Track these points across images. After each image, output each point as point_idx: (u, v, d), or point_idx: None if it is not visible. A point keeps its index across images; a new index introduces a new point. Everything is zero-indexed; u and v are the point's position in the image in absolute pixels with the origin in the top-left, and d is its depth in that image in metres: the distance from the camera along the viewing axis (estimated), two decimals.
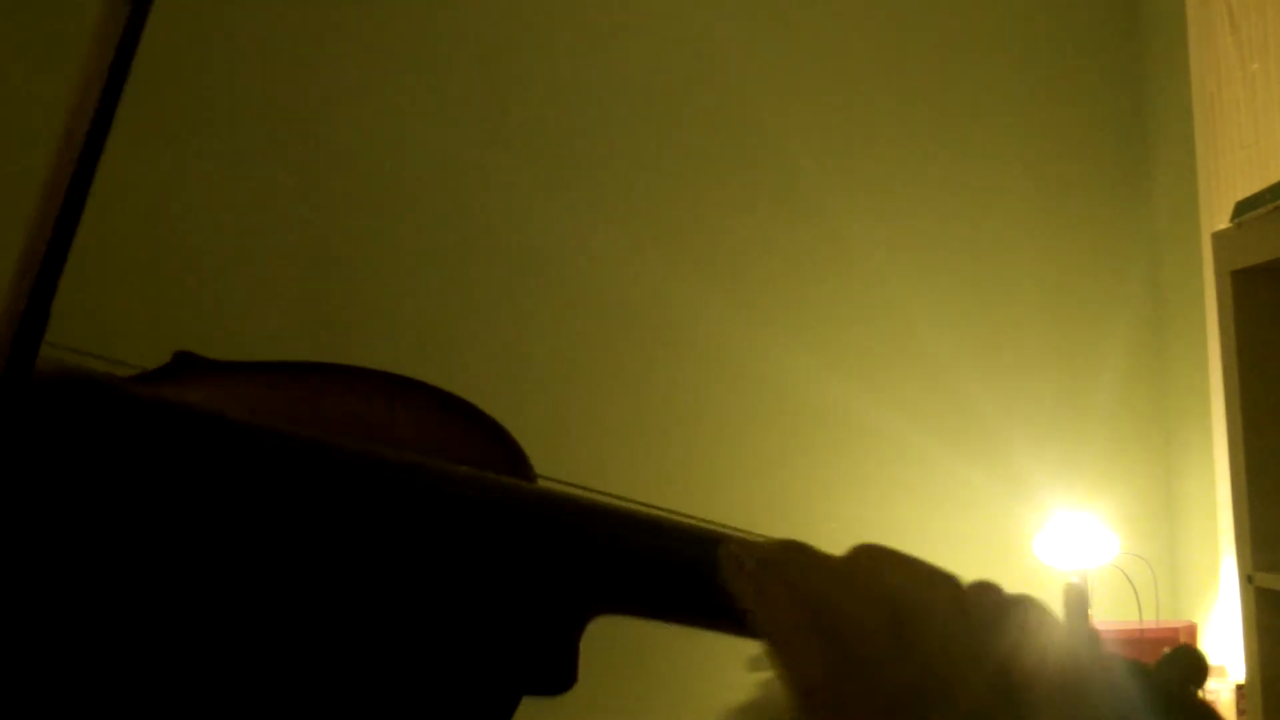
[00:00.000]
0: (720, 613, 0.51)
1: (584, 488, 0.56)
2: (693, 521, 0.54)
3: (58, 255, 0.58)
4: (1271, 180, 1.88)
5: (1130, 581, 2.67)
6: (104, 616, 0.52)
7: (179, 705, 0.51)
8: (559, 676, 0.54)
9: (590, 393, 2.82)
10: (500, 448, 0.61)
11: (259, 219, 2.80)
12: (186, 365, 0.65)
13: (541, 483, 0.58)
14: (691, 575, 0.52)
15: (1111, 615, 2.67)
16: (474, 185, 2.84)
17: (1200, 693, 0.53)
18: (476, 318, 2.82)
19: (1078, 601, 0.50)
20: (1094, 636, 0.50)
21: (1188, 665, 0.52)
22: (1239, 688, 1.90)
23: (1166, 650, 0.53)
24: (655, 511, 0.55)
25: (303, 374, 0.66)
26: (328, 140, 2.82)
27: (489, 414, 0.63)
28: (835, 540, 0.53)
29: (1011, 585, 0.51)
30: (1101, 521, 2.70)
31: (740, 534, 0.53)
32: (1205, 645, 2.59)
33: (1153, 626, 2.53)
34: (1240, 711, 2.03)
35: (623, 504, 0.55)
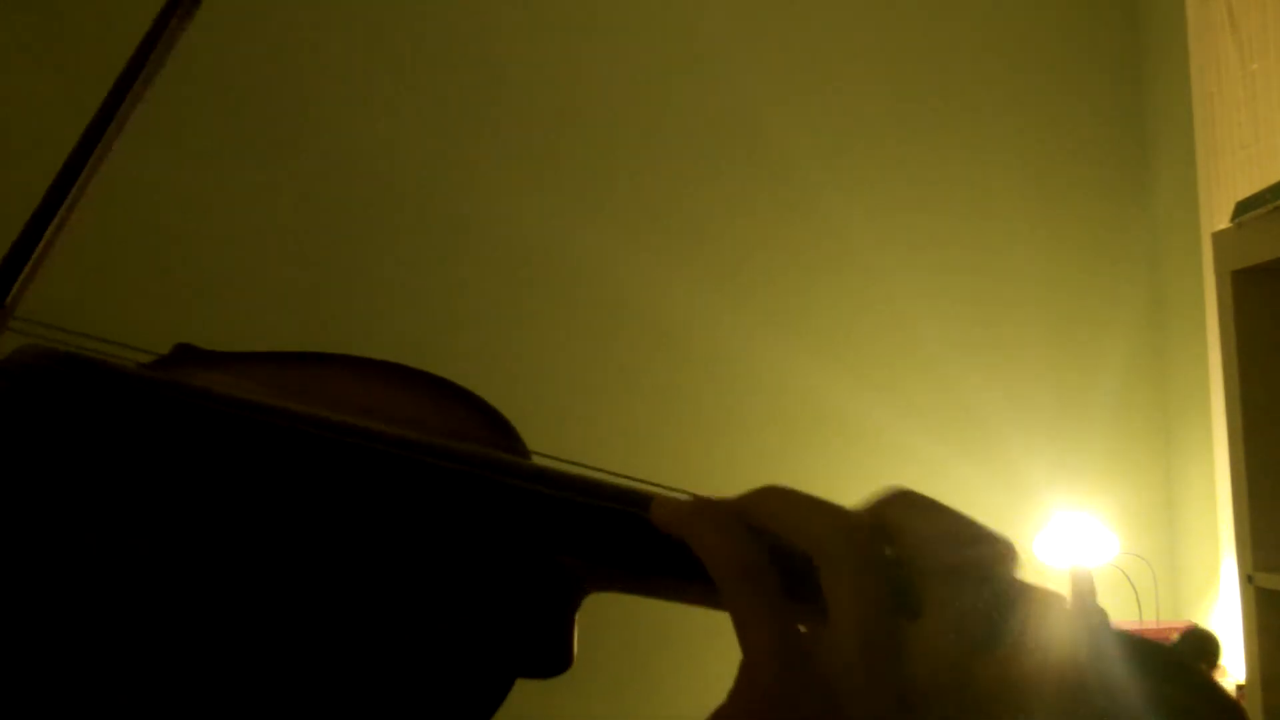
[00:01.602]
0: (687, 567, 0.50)
1: (578, 463, 0.56)
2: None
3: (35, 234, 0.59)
4: (1271, 180, 1.88)
5: (1130, 581, 2.67)
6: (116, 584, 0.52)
7: (176, 687, 0.51)
8: (554, 658, 0.54)
9: (588, 392, 2.82)
10: (499, 434, 0.61)
11: (254, 215, 2.80)
12: (186, 356, 0.65)
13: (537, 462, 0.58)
14: (637, 522, 0.51)
15: (1111, 615, 2.67)
16: (472, 182, 2.84)
17: (1214, 672, 0.53)
18: (474, 316, 2.82)
19: (1084, 584, 0.50)
20: (1104, 615, 0.50)
21: (1201, 644, 0.52)
22: (1239, 688, 1.90)
23: (1176, 634, 0.53)
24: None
25: (300, 362, 0.67)
26: (325, 137, 2.82)
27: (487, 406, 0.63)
28: None
29: None
30: (1101, 521, 2.70)
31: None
32: None
33: (1153, 626, 2.53)
34: None
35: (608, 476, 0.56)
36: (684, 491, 0.52)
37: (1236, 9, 2.41)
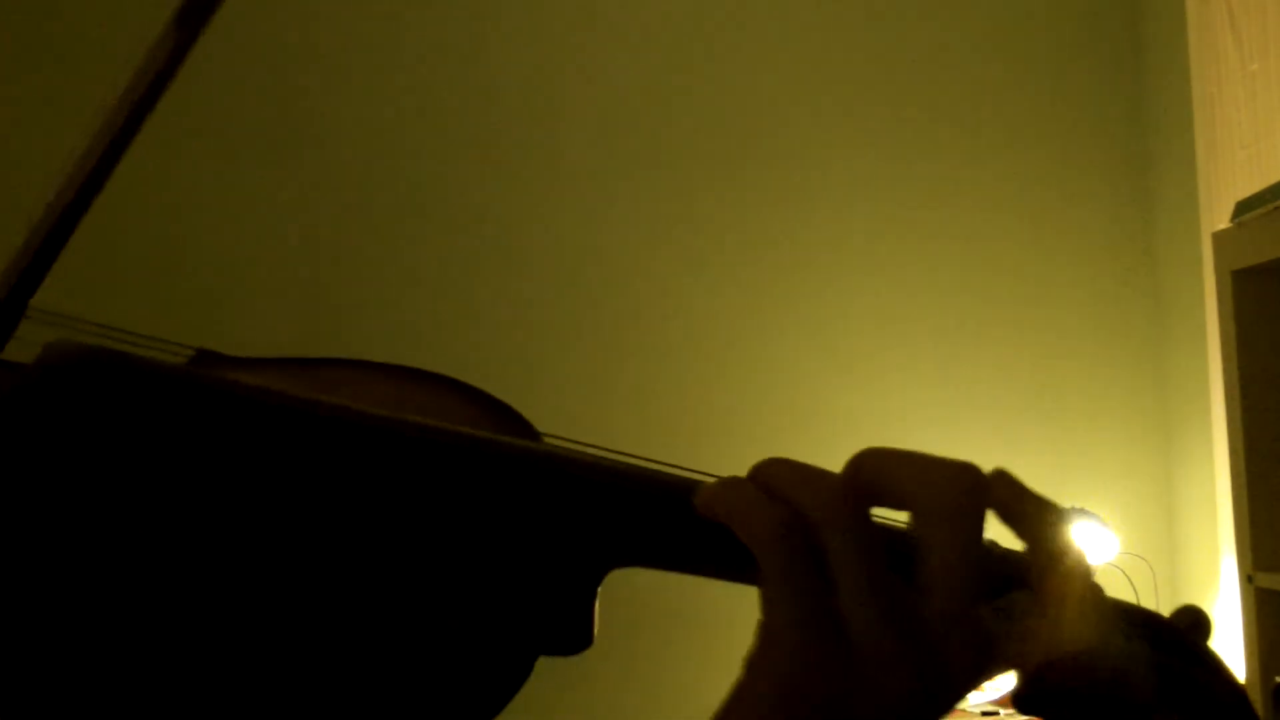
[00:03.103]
0: (714, 542, 0.50)
1: (595, 446, 0.57)
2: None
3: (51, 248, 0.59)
4: (1271, 180, 1.88)
5: (1130, 581, 2.67)
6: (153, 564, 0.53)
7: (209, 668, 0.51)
8: (576, 635, 0.54)
9: (598, 389, 2.82)
10: (521, 429, 0.62)
11: (259, 218, 2.79)
12: (207, 361, 0.66)
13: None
14: (682, 507, 0.52)
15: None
16: (482, 181, 2.84)
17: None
18: (482, 316, 2.82)
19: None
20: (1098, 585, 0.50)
21: (1195, 620, 0.53)
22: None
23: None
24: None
25: (325, 365, 0.67)
26: (336, 136, 2.82)
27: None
28: None
29: None
30: (1101, 521, 2.70)
31: None
32: None
33: None
34: None
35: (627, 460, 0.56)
36: (709, 475, 0.53)
37: (1236, 9, 2.41)
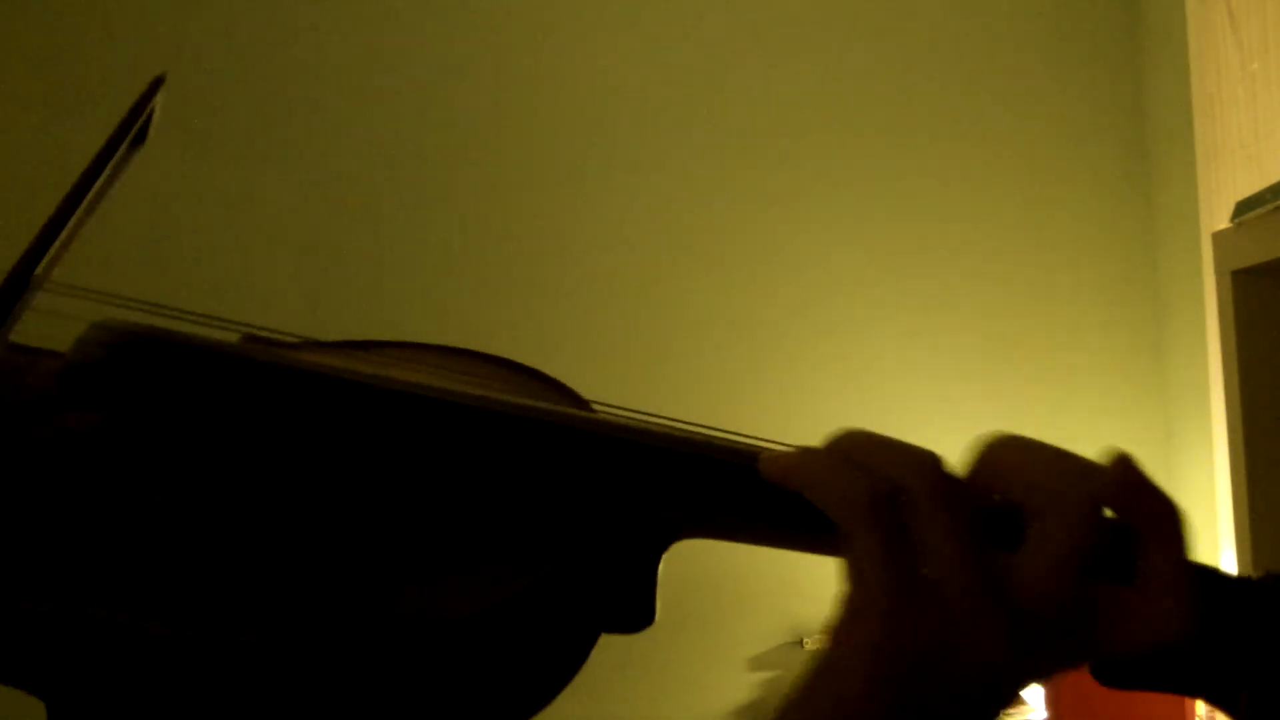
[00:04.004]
0: (786, 509, 0.50)
1: (644, 413, 0.56)
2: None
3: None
4: (1271, 180, 1.88)
5: None
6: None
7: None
8: (639, 611, 0.53)
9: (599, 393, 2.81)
10: (575, 401, 0.63)
11: (262, 215, 2.79)
12: (259, 343, 0.66)
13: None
14: (747, 474, 0.52)
15: None
16: (485, 178, 2.84)
17: None
18: (482, 313, 2.82)
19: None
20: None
21: None
22: None
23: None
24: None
25: (374, 347, 0.68)
26: (329, 135, 2.82)
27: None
28: None
29: None
30: None
31: None
32: None
33: None
34: None
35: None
36: (770, 441, 0.53)
37: (1236, 9, 2.41)
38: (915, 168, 2.93)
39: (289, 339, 0.66)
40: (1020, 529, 0.48)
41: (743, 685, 2.76)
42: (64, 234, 0.67)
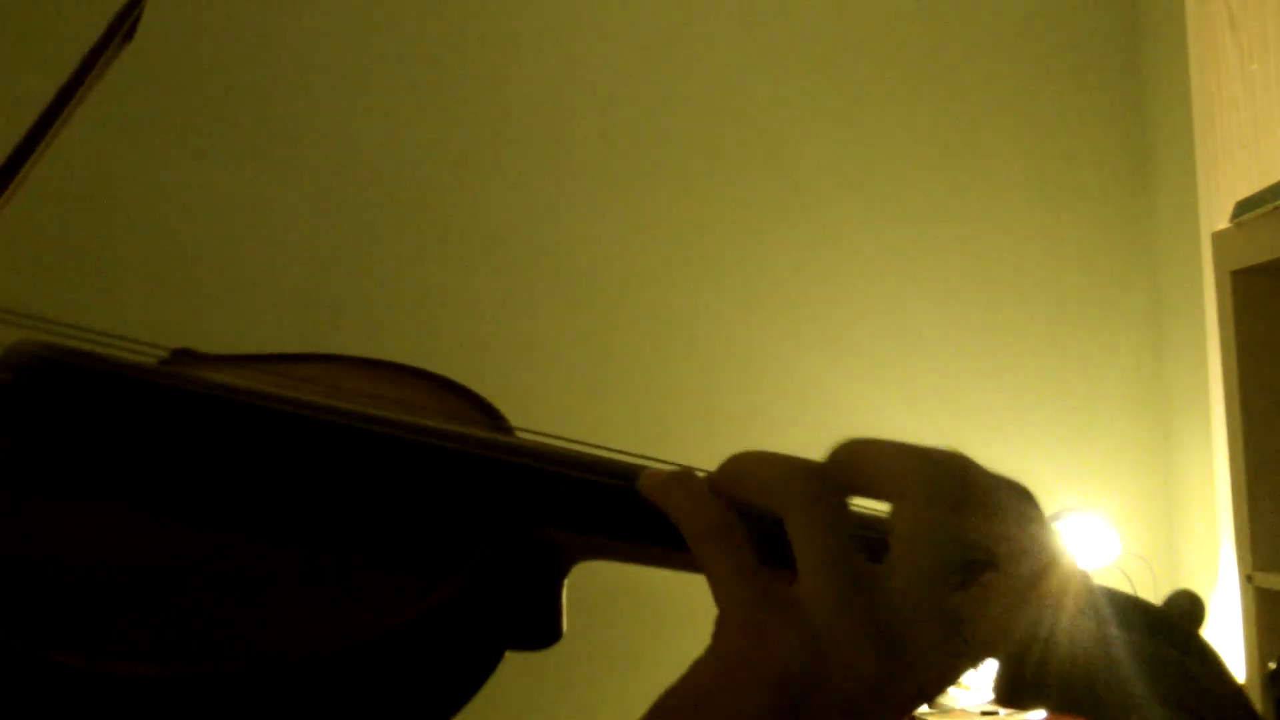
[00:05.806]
0: (659, 532, 0.50)
1: (578, 441, 0.56)
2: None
3: None
4: (1271, 180, 1.88)
5: (1130, 581, 2.67)
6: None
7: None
8: (544, 630, 0.54)
9: (590, 385, 2.81)
10: (491, 419, 0.63)
11: (255, 217, 2.79)
12: (187, 360, 0.66)
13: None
14: (627, 495, 0.52)
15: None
16: (476, 181, 2.84)
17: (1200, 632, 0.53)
18: (480, 317, 2.82)
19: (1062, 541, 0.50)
20: (1086, 574, 0.50)
21: (1189, 606, 0.52)
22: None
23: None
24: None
25: (302, 361, 0.67)
26: (329, 136, 2.81)
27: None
28: None
29: None
30: (1102, 521, 2.70)
31: None
32: None
33: None
34: None
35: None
36: (678, 466, 0.52)
37: (1236, 9, 2.41)
38: (914, 168, 2.93)
39: (214, 354, 0.67)
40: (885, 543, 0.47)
41: None
42: (52, 130, 0.68)
